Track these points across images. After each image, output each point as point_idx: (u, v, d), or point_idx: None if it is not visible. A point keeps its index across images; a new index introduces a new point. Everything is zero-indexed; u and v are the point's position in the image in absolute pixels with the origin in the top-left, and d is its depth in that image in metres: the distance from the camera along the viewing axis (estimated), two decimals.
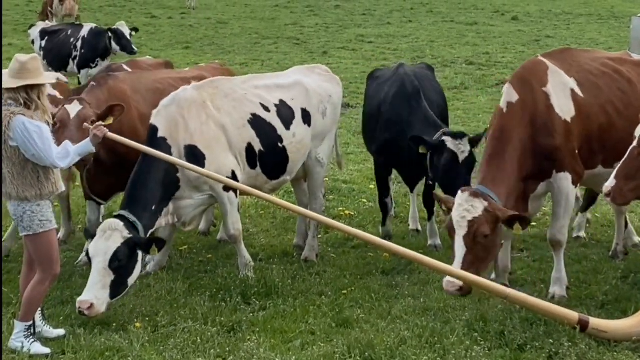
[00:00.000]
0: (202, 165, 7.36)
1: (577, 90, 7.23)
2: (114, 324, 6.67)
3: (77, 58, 17.30)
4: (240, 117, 7.76)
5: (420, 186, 9.19)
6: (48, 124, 6.35)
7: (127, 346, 6.24)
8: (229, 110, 7.72)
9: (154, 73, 9.18)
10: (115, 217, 6.97)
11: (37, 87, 6.16)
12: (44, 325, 6.56)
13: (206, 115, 7.56)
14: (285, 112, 8.08)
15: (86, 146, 6.56)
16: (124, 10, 33.47)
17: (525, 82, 7.24)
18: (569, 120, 7.11)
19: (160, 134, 7.38)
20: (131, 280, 6.81)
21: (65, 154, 6.30)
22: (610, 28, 29.41)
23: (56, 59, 17.63)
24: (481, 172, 7.00)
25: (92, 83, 8.28)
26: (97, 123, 6.84)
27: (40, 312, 6.57)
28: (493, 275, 7.64)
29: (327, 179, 11.06)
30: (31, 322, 6.32)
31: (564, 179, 7.13)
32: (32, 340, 6.27)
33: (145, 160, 7.26)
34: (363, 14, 32.83)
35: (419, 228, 9.52)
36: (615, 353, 6.05)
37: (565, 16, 32.59)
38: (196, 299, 7.20)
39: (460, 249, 6.57)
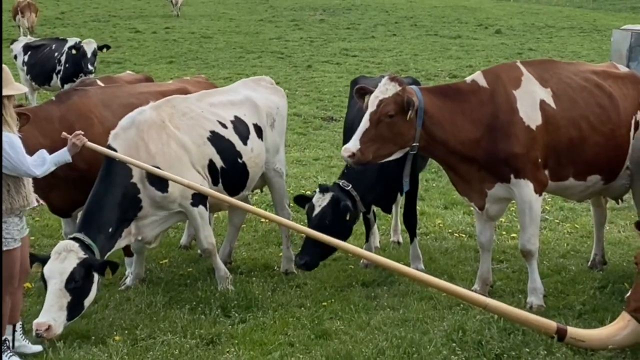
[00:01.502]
0: (166, 186, 7.32)
1: (549, 101, 7.23)
2: (93, 337, 6.66)
3: (61, 72, 17.27)
4: (199, 135, 7.74)
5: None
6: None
7: (106, 359, 6.23)
8: (188, 129, 7.68)
9: (132, 87, 9.07)
10: (70, 239, 6.86)
11: None
12: (23, 340, 6.55)
13: (167, 135, 7.50)
14: (241, 128, 8.12)
15: (63, 155, 6.58)
16: (108, 25, 33.48)
17: (497, 78, 7.28)
18: (533, 127, 7.11)
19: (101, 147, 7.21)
20: (87, 302, 6.71)
21: (42, 162, 6.30)
22: (592, 41, 29.69)
23: (40, 73, 17.62)
24: (427, 87, 7.46)
25: (52, 97, 8.22)
26: (76, 132, 6.82)
27: (20, 327, 6.57)
28: (475, 286, 7.69)
29: (311, 192, 11.11)
30: (4, 337, 6.31)
31: (525, 186, 7.13)
32: (10, 354, 6.28)
33: (103, 181, 7.18)
34: (347, 27, 33.00)
35: (400, 240, 9.56)
36: None
37: (548, 29, 32.88)
38: (176, 311, 7.21)
39: (364, 123, 6.93)
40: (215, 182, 7.84)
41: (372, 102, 6.97)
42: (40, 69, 17.67)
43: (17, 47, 18.23)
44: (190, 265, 8.75)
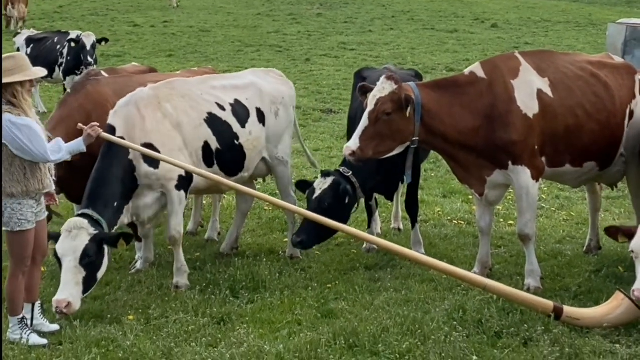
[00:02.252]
0: (157, 163, 7.51)
1: (547, 90, 7.47)
2: (108, 316, 6.92)
3: (63, 65, 17.50)
4: (196, 117, 7.94)
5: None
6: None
7: (122, 337, 6.47)
8: (185, 110, 7.88)
9: (142, 77, 9.28)
10: (78, 216, 7.07)
11: (10, 87, 6.30)
12: (42, 319, 6.79)
13: (162, 114, 7.70)
14: (240, 111, 8.31)
15: (78, 145, 6.81)
16: (107, 19, 33.59)
17: (496, 69, 7.53)
18: (530, 116, 7.35)
19: (118, 134, 7.46)
20: (100, 274, 6.96)
21: (58, 150, 6.53)
22: (588, 35, 29.88)
23: (42, 66, 17.54)
24: (425, 82, 7.77)
25: (68, 90, 8.47)
26: (92, 123, 7.05)
27: (39, 306, 6.81)
28: (475, 270, 7.95)
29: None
30: (22, 315, 6.56)
31: (522, 172, 7.38)
32: (29, 331, 6.52)
33: (105, 158, 7.39)
34: (345, 21, 33.14)
35: (401, 227, 9.82)
36: (587, 339, 6.34)
37: (544, 23, 33.05)
38: (187, 293, 7.47)
39: (363, 122, 7.22)
40: (209, 164, 8.01)
41: (371, 101, 7.23)
42: (42, 62, 17.69)
43: (20, 40, 18.45)
44: (198, 250, 9.01)
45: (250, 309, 7.11)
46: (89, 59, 16.90)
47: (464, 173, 7.65)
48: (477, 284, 6.86)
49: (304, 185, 8.41)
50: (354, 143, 7.19)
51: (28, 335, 6.47)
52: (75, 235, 6.81)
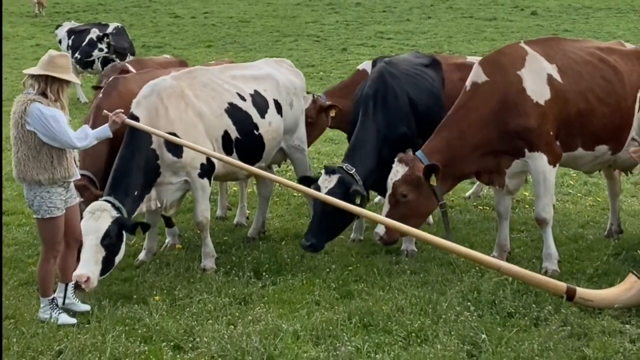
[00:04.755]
0: (181, 152, 7.71)
1: (556, 76, 7.61)
2: (135, 297, 7.19)
3: (101, 57, 17.93)
4: (217, 106, 8.10)
5: None
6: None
7: (147, 316, 6.74)
8: (206, 99, 8.05)
9: (168, 72, 9.47)
10: (102, 201, 7.31)
11: (59, 82, 6.60)
12: (74, 299, 7.10)
13: (185, 103, 7.87)
14: (260, 102, 8.47)
15: (104, 131, 7.08)
16: (149, 11, 34.15)
17: (497, 65, 7.71)
18: (542, 103, 7.50)
19: (141, 124, 7.61)
20: (117, 259, 7.24)
21: (84, 136, 6.81)
22: (629, 22, 29.65)
23: (82, 56, 18.28)
24: (428, 140, 7.77)
25: (100, 95, 8.66)
26: (116, 110, 7.31)
27: (73, 286, 7.10)
28: (493, 253, 8.09)
29: None
30: (52, 296, 6.87)
31: (539, 158, 7.55)
32: (59, 311, 6.83)
33: (127, 147, 7.61)
34: (383, 10, 33.28)
35: None
36: (597, 319, 6.48)
37: (585, 10, 32.81)
38: (211, 274, 7.74)
39: (386, 206, 7.69)
40: (228, 152, 8.14)
41: (388, 185, 7.61)
42: (82, 53, 18.34)
43: (62, 32, 18.94)
44: (226, 234, 9.28)
45: (272, 290, 7.34)
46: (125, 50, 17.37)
47: (488, 175, 7.87)
48: (492, 266, 6.99)
49: (308, 181, 8.10)
50: (381, 229, 7.55)
51: (58, 315, 6.77)
52: (99, 216, 7.13)
